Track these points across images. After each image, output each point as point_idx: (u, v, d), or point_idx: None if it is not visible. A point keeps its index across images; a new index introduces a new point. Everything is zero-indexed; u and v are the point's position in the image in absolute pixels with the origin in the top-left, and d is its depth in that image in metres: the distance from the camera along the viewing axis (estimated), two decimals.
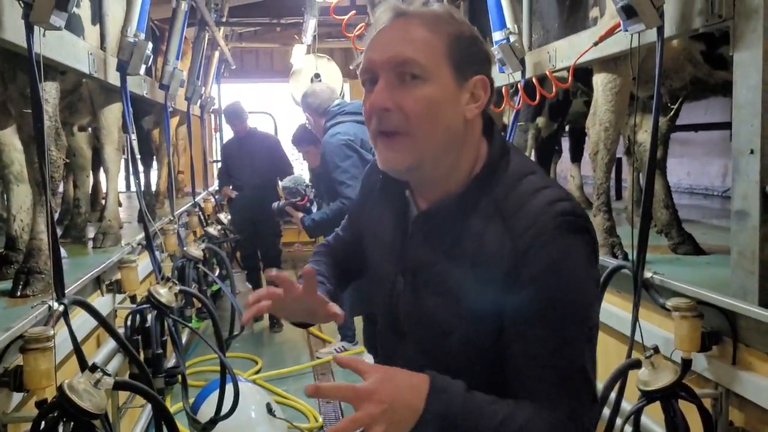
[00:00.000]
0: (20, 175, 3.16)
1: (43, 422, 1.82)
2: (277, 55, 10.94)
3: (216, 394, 3.24)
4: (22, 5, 2.10)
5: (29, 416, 1.92)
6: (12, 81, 2.71)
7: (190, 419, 3.19)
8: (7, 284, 2.78)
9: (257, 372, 4.96)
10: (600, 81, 3.03)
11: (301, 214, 4.18)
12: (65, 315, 2.13)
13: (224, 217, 6.39)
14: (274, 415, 3.38)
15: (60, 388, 1.80)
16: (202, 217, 5.96)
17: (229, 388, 3.12)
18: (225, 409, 3.12)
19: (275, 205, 4.47)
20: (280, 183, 5.19)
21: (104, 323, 2.36)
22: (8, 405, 1.94)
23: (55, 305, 2.11)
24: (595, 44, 2.65)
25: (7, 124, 3.13)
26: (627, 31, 2.31)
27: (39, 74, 2.14)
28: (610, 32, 2.54)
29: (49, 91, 2.83)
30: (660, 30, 2.23)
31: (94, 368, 1.87)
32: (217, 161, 9.07)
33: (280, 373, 4.91)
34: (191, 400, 3.45)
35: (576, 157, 5.79)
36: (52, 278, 2.69)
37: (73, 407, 1.79)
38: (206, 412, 3.29)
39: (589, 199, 5.49)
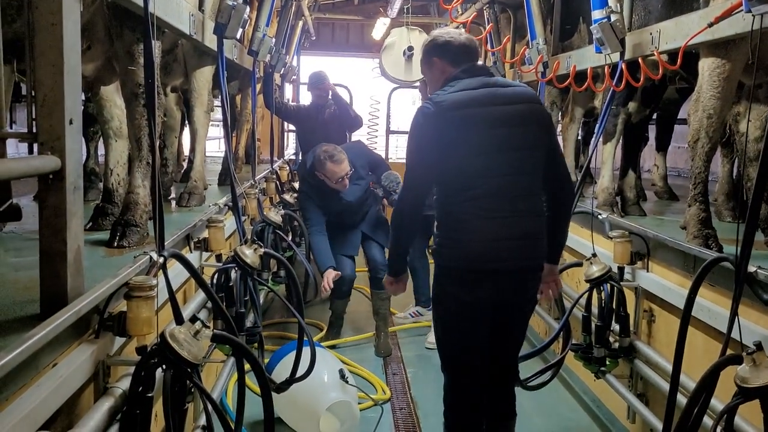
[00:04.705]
0: (119, 130, 3.26)
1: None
2: (353, 29, 10.89)
3: (290, 356, 3.30)
4: None
5: (130, 360, 2.00)
6: (119, 38, 2.79)
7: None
8: (103, 235, 2.90)
9: (322, 339, 5.01)
10: (707, 66, 2.89)
11: None
12: (164, 267, 2.20)
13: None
14: (347, 382, 3.41)
15: (162, 336, 1.86)
16: (278, 184, 6.04)
17: (304, 352, 3.17)
18: (299, 372, 3.18)
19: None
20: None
21: (198, 277, 2.42)
22: (111, 348, 2.02)
23: (156, 257, 2.17)
24: (710, 25, 2.52)
25: (111, 80, 3.23)
26: (750, 12, 2.18)
27: (153, 31, 2.18)
28: (728, 13, 2.42)
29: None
30: None
31: (194, 319, 1.93)
32: (292, 131, 9.14)
33: (346, 341, 4.95)
34: (265, 361, 3.53)
35: (662, 146, 5.58)
36: (149, 231, 2.80)
37: (174, 355, 1.85)
38: (280, 373, 3.35)
39: (673, 190, 5.31)
